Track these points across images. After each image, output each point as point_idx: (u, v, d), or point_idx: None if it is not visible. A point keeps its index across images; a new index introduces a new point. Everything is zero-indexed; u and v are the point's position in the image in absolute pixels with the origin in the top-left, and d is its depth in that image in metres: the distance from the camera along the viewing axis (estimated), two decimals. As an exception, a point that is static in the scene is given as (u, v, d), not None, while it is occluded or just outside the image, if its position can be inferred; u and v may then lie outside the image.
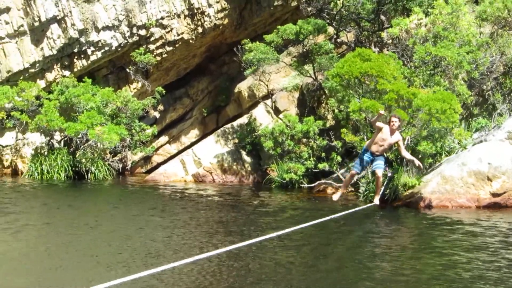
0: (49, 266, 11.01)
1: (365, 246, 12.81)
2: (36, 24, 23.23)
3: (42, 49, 23.59)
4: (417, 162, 15.66)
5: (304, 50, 23.11)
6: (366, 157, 15.83)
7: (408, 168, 17.65)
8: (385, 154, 16.00)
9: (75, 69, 24.27)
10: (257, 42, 22.95)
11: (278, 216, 16.15)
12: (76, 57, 24.14)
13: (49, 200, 18.78)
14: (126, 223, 15.22)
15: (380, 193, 16.13)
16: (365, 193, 17.94)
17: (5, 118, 23.66)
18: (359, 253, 12.11)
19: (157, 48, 24.83)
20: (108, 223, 15.27)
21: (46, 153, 23.67)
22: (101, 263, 11.12)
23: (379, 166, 15.77)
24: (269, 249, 12.12)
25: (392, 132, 15.48)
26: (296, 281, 10.12)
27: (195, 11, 24.89)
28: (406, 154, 15.92)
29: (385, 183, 17.17)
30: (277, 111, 24.05)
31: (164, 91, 25.39)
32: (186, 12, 24.86)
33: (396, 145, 15.99)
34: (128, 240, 13.03)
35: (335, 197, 16.02)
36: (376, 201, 15.94)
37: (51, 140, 24.03)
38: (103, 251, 12.05)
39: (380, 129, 15.74)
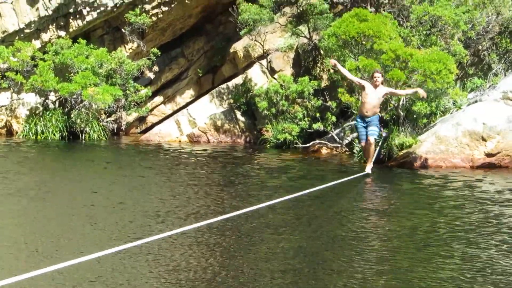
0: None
1: (356, 206, 12.89)
2: (31, -17, 23.15)
3: (37, 9, 23.48)
4: (420, 92, 15.43)
5: (299, 10, 22.95)
6: (360, 125, 15.67)
7: (403, 128, 17.68)
8: (378, 114, 15.85)
9: (71, 30, 24.17)
10: (250, 3, 22.76)
11: (275, 178, 16.21)
12: (71, 17, 24.02)
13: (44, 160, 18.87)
14: (118, 184, 15.30)
15: (373, 161, 15.91)
16: (360, 153, 17.96)
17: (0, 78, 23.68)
18: (349, 214, 12.18)
19: (152, 8, 24.64)
20: (99, 184, 15.36)
21: (41, 113, 23.71)
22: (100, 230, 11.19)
23: (372, 133, 15.49)
24: (263, 212, 12.17)
25: (375, 87, 15.40)
26: (288, 240, 10.23)
27: (191, -31, 24.71)
28: (407, 91, 15.81)
29: (380, 143, 17.19)
30: (272, 71, 23.99)
31: (159, 53, 25.27)
32: (182, -29, 24.69)
33: (389, 97, 15.89)
34: (122, 205, 13.11)
35: (368, 169, 15.68)
36: (368, 169, 15.70)
37: (46, 101, 24.05)
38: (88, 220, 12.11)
39: (362, 87, 15.65)
